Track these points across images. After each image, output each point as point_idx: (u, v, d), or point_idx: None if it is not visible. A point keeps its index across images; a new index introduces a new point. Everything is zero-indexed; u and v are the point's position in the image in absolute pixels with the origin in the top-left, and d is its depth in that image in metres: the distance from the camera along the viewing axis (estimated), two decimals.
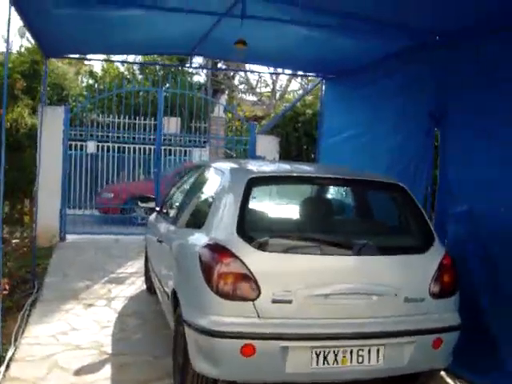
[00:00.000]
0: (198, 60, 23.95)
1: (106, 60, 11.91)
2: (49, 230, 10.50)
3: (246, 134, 13.14)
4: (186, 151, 16.01)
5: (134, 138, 13.56)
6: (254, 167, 5.13)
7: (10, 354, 5.26)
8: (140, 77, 21.11)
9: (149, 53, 11.94)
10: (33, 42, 11.45)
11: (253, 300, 3.99)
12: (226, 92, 20.29)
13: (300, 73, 12.03)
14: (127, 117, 14.80)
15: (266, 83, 23.74)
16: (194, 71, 23.87)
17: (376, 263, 4.32)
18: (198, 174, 5.95)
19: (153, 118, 14.27)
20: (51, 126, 10.43)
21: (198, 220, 4.89)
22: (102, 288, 7.80)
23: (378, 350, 4.17)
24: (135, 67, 21.87)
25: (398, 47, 7.17)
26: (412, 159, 7.12)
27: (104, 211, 13.78)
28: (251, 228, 4.22)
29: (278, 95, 23.61)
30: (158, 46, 9.03)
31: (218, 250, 4.13)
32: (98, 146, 15.46)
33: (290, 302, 4.02)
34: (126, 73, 21.60)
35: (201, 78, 24.72)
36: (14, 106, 10.32)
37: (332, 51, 8.14)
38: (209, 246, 4.21)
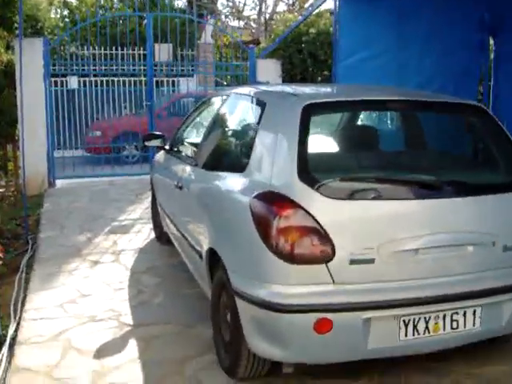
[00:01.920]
0: None
1: None
2: (37, 176, 9.52)
3: (237, 60, 12.01)
4: (172, 82, 14.87)
5: (122, 69, 12.32)
6: (304, 91, 4.10)
7: (11, 332, 4.39)
8: (117, 6, 19.71)
9: None
10: None
11: (326, 261, 3.09)
12: (213, 15, 18.91)
13: None
14: (109, 47, 13.56)
15: (254, 4, 22.26)
16: None
17: (468, 206, 3.41)
18: (219, 104, 4.90)
19: (138, 48, 13.11)
20: (30, 62, 9.27)
21: (235, 161, 3.96)
22: (106, 240, 6.88)
23: (474, 312, 3.34)
24: None
25: None
26: (453, 76, 6.20)
27: (93, 151, 12.71)
28: (316, 169, 3.26)
29: (263, 20, 22.32)
30: None
31: (276, 199, 3.21)
32: (79, 80, 14.42)
33: (372, 261, 3.13)
34: (103, 1, 20.01)
35: (180, 2, 23.23)
36: None
37: None
38: (263, 195, 3.27)
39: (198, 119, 5.60)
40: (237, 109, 4.61)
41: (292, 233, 3.10)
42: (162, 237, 6.46)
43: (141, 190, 9.55)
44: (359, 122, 4.72)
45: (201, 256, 4.07)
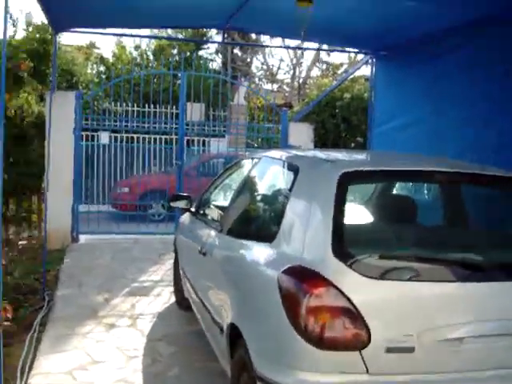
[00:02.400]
0: (213, 46, 22.87)
1: (121, 35, 10.50)
2: (60, 230, 9.31)
3: (269, 123, 11.86)
4: (203, 141, 14.80)
5: (153, 127, 12.26)
6: (339, 158, 3.84)
7: None
8: (153, 64, 19.93)
9: (174, 25, 10.59)
10: (41, 18, 10.25)
11: (360, 348, 2.77)
12: (246, 77, 19.00)
13: (349, 49, 10.72)
14: (142, 105, 13.58)
15: (289, 68, 22.27)
16: (210, 57, 22.61)
17: None
18: (250, 167, 4.65)
19: (170, 106, 13.10)
20: (61, 114, 9.23)
21: (263, 230, 3.69)
22: (124, 302, 6.59)
23: None
24: (149, 53, 20.58)
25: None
26: (491, 148, 5.92)
27: (119, 208, 12.58)
28: (351, 244, 2.97)
29: (296, 84, 22.36)
30: (186, 16, 7.67)
31: (307, 275, 2.91)
32: (110, 136, 14.42)
33: (411, 350, 2.80)
34: (139, 59, 20.24)
35: (215, 64, 23.45)
36: (20, 90, 9.02)
37: (387, 19, 6.88)
38: (292, 270, 2.98)
39: (226, 182, 5.37)
40: (267, 173, 4.36)
41: (323, 313, 2.79)
42: (182, 302, 6.16)
43: (164, 250, 9.29)
44: (394, 192, 4.43)
45: (221, 330, 3.76)
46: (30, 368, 4.70)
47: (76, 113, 9.67)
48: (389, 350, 2.78)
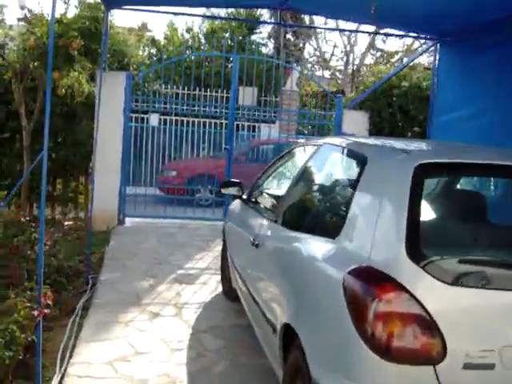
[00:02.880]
0: (265, 31, 22.53)
1: (174, 13, 10.18)
2: (106, 212, 9.18)
3: (321, 110, 11.47)
4: (253, 127, 14.49)
5: (204, 110, 12.00)
6: (414, 148, 3.46)
7: None
8: (204, 48, 19.69)
9: (228, 3, 10.30)
10: None
11: (434, 363, 2.44)
12: (299, 63, 18.61)
13: (412, 34, 10.25)
14: (193, 88, 13.33)
15: (343, 54, 21.71)
16: (262, 42, 22.26)
17: None
18: (309, 155, 4.29)
19: (222, 90, 12.84)
20: (111, 95, 9.10)
21: (324, 224, 3.39)
22: (169, 289, 6.37)
23: None
24: (201, 36, 20.32)
25: None
26: None
27: (166, 191, 12.39)
28: (427, 245, 2.64)
29: (349, 71, 21.85)
30: None
31: (377, 277, 2.60)
32: (160, 119, 14.24)
33: (491, 367, 2.46)
34: (191, 42, 20.00)
35: (267, 49, 23.10)
36: (70, 69, 8.84)
37: (453, 2, 6.46)
38: (360, 272, 2.67)
39: (281, 170, 5.06)
40: (329, 162, 4.04)
41: (393, 320, 2.48)
42: (230, 292, 5.92)
43: (211, 236, 9.08)
44: (463, 187, 4.05)
45: (274, 329, 3.48)
46: (70, 356, 4.52)
47: (126, 93, 9.49)
48: (466, 367, 2.45)
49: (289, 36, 23.18)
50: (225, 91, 12.37)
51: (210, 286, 6.57)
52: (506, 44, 6.64)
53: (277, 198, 4.45)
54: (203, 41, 20.39)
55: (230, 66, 14.91)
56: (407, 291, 2.48)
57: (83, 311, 5.63)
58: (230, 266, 5.66)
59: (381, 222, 2.75)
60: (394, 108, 10.62)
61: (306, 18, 20.23)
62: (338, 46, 21.67)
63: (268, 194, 4.91)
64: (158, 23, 45.55)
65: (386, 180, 2.92)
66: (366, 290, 2.58)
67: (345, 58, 21.50)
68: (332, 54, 21.25)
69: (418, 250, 2.59)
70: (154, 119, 14.91)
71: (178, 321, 5.43)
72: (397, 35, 12.22)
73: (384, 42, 21.37)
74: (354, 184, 3.17)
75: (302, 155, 4.54)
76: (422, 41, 19.94)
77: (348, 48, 21.17)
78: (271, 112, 13.25)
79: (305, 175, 4.14)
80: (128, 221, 9.84)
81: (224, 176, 10.58)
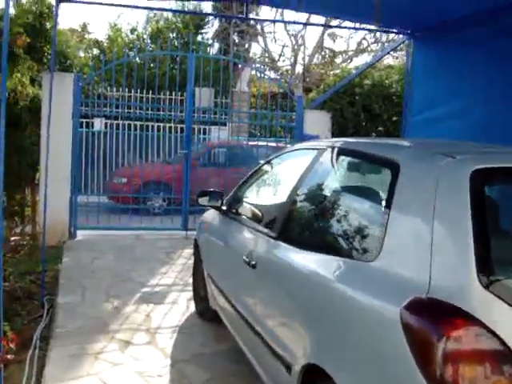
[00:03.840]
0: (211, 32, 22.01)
1: (126, 6, 9.44)
2: (56, 225, 8.44)
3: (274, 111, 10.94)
4: (203, 130, 13.90)
5: (155, 114, 11.33)
6: (457, 151, 2.92)
7: None
8: (149, 48, 18.95)
9: None
10: None
11: None
12: (248, 63, 18.06)
13: (383, 29, 9.81)
14: (142, 90, 12.66)
15: (291, 54, 21.20)
16: (208, 42, 21.64)
17: None
18: (311, 160, 3.67)
19: (172, 92, 12.23)
20: (59, 99, 8.36)
21: (351, 242, 2.86)
22: (137, 311, 5.76)
23: None
24: (146, 36, 19.53)
25: None
26: None
27: (117, 200, 11.67)
28: (499, 267, 2.16)
29: (297, 71, 21.45)
30: None
31: (443, 310, 2.10)
32: (107, 123, 13.55)
33: None
34: (136, 42, 19.13)
35: (212, 50, 22.45)
36: (14, 69, 8.04)
37: None
38: (422, 305, 2.16)
39: (272, 177, 4.51)
40: (342, 168, 3.51)
41: (468, 360, 1.99)
42: (205, 313, 5.36)
43: (171, 248, 8.51)
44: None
45: (288, 368, 2.94)
46: None
47: (75, 97, 8.78)
48: None
49: (234, 37, 22.65)
50: (173, 93, 11.81)
51: (181, 306, 5.98)
52: (484, 39, 6.31)
53: (273, 210, 3.89)
54: (148, 41, 19.59)
55: (176, 66, 14.30)
56: (481, 324, 2.00)
57: (42, 342, 4.96)
58: (208, 285, 5.09)
59: (438, 242, 2.25)
60: (357, 107, 10.22)
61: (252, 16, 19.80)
62: (287, 45, 20.94)
63: (258, 205, 4.33)
64: (100, 24, 44.17)
65: (433, 191, 2.40)
66: (431, 326, 2.07)
67: (292, 59, 21.07)
68: (280, 55, 20.78)
69: (490, 272, 2.11)
70: (98, 124, 14.19)
71: (154, 349, 4.82)
72: (367, 29, 11.84)
73: (334, 41, 21.07)
74: (386, 196, 2.66)
75: (300, 160, 3.96)
76: (372, 40, 19.84)
77: (296, 47, 20.76)
78: (222, 114, 12.72)
79: (311, 184, 3.57)
80: (80, 233, 9.13)
81: (177, 182, 9.98)
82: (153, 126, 12.86)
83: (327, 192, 3.45)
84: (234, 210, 4.64)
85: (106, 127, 13.72)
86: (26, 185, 9.55)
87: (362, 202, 3.09)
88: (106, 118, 13.07)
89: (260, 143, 10.54)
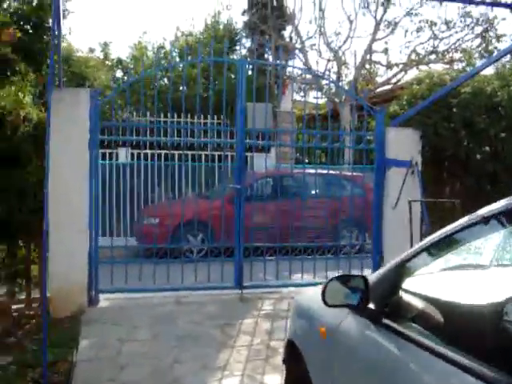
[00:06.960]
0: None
1: None
2: (69, 288, 6.30)
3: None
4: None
5: (196, 139, 9.04)
6: None
7: None
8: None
9: None
10: None
11: None
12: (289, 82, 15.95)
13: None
14: (173, 115, 10.59)
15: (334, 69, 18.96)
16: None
17: None
18: None
19: (205, 116, 10.20)
20: (71, 121, 6.29)
21: None
22: None
23: None
24: (174, 54, 17.39)
25: None
26: None
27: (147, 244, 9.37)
28: None
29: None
30: None
31: None
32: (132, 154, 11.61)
33: None
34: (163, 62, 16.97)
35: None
36: (6, 82, 5.71)
37: None
38: None
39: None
40: None
41: None
42: None
43: (225, 317, 6.30)
44: None
45: None
46: None
47: (92, 120, 6.59)
48: None
49: (266, 55, 20.59)
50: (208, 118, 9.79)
51: None
52: None
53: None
54: (177, 59, 17.40)
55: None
56: None
57: None
58: None
59: None
60: (455, 122, 7.86)
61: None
62: (332, 59, 18.72)
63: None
64: (123, 43, 42.16)
65: None
66: None
67: (336, 75, 18.84)
68: (325, 70, 18.48)
69: None
70: (122, 155, 12.19)
71: None
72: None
73: (385, 52, 18.76)
74: None
75: None
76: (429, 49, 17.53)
77: (339, 62, 18.60)
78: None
79: None
80: (103, 298, 6.84)
81: (221, 222, 7.69)
82: (186, 155, 10.76)
83: None
84: (396, 316, 2.34)
85: (132, 158, 11.77)
86: (30, 236, 7.20)
87: None
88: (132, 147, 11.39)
89: (319, 171, 8.37)
